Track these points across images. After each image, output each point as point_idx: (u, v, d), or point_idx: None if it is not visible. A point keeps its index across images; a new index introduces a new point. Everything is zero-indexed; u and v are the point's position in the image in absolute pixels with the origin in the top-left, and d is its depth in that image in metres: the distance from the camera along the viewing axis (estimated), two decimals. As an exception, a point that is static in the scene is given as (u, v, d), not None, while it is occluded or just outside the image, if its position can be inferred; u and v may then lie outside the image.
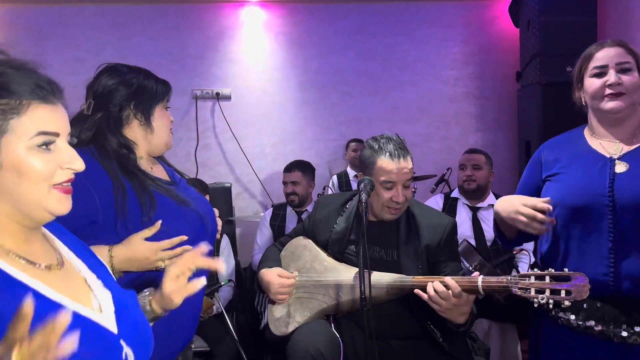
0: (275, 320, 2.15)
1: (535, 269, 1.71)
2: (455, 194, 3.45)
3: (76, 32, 4.63)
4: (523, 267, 3.10)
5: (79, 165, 0.97)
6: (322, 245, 2.18)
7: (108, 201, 1.46)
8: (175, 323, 1.54)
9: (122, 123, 1.58)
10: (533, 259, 3.03)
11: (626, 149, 1.68)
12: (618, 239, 1.59)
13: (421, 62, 4.91)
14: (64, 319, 0.68)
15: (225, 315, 3.02)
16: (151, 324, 1.17)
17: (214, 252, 1.97)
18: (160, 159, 1.74)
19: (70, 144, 0.98)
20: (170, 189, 1.59)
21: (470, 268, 2.62)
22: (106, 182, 1.48)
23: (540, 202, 1.65)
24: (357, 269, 1.86)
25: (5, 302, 0.83)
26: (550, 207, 1.64)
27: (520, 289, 1.64)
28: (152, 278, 1.52)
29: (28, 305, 0.68)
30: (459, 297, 1.76)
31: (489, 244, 3.22)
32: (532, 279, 1.63)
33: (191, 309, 1.62)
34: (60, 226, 1.08)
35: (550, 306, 1.60)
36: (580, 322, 1.68)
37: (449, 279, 1.78)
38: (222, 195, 4.31)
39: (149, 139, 1.62)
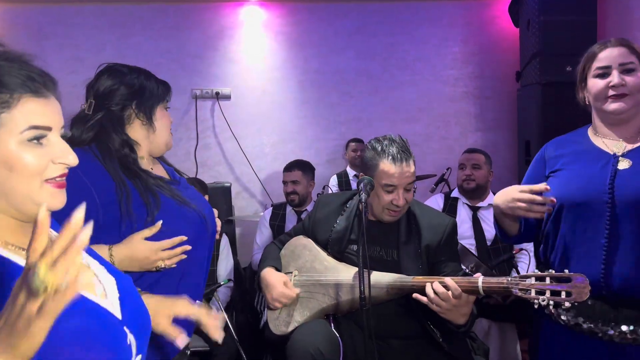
0: (274, 320, 2.15)
1: (536, 270, 1.70)
2: (455, 193, 3.45)
3: (76, 32, 4.63)
4: (523, 267, 3.10)
5: (72, 159, 0.95)
6: (322, 244, 2.18)
7: (108, 201, 1.46)
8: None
9: (124, 122, 1.58)
10: (533, 259, 3.03)
11: (629, 147, 1.67)
12: (613, 237, 1.59)
13: (421, 62, 4.91)
14: (78, 215, 0.68)
15: (225, 315, 3.02)
16: None
17: (213, 252, 1.97)
18: (160, 159, 1.74)
19: (64, 137, 0.96)
20: (172, 188, 1.59)
21: (467, 270, 2.62)
22: (107, 181, 1.48)
23: (536, 185, 1.66)
24: (357, 269, 1.86)
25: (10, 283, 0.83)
26: (548, 187, 1.64)
27: (520, 290, 1.64)
28: (153, 279, 1.52)
29: (44, 215, 0.69)
30: (459, 298, 1.76)
31: (489, 243, 3.22)
32: (533, 280, 1.63)
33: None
34: (54, 221, 1.06)
35: (551, 307, 1.60)
36: (570, 319, 1.68)
37: (449, 280, 1.78)
38: (222, 195, 4.31)
39: (150, 138, 1.62)
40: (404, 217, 2.11)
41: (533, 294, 1.61)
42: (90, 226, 0.68)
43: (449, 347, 2.00)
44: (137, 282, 1.47)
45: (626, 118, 1.67)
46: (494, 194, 3.37)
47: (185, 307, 1.28)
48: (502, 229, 1.88)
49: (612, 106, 1.65)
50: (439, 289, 1.77)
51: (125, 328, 0.97)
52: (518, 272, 2.93)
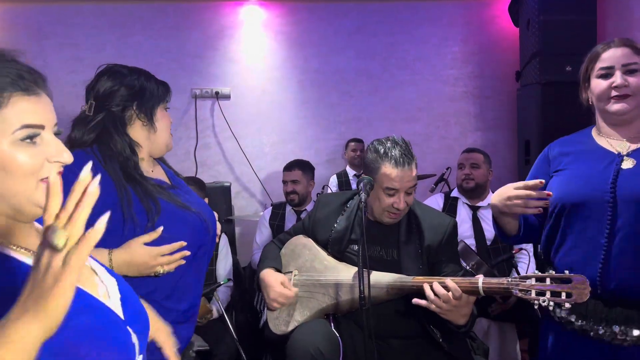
0: (274, 319, 2.15)
1: (536, 270, 1.70)
2: (455, 193, 3.45)
3: (76, 31, 4.63)
4: (522, 267, 3.10)
5: (67, 157, 0.93)
6: (322, 244, 2.18)
7: (110, 203, 1.46)
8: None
9: (125, 123, 1.58)
10: (533, 259, 3.04)
11: (634, 146, 1.67)
12: (613, 236, 1.59)
13: (421, 62, 4.91)
14: (85, 171, 0.72)
15: (225, 314, 3.02)
16: None
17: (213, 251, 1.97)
18: (159, 160, 1.74)
19: (57, 134, 0.94)
20: (171, 193, 1.58)
21: (468, 268, 2.62)
22: (108, 184, 1.48)
23: (531, 181, 1.66)
24: (357, 269, 1.86)
25: (19, 283, 0.83)
26: (543, 181, 1.64)
27: (521, 290, 1.64)
28: (153, 284, 1.52)
29: (56, 178, 0.72)
30: (459, 299, 1.76)
31: (489, 243, 3.22)
32: (533, 281, 1.63)
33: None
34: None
35: (551, 308, 1.60)
36: (564, 316, 1.69)
37: (449, 281, 1.78)
38: (222, 195, 4.31)
39: (151, 139, 1.62)
40: (405, 217, 2.11)
41: (533, 294, 1.61)
42: (98, 177, 0.72)
43: (449, 347, 2.00)
44: (136, 285, 1.48)
45: (629, 119, 1.67)
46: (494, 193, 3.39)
47: (164, 337, 1.26)
48: (502, 230, 1.88)
49: (614, 107, 1.65)
50: (439, 291, 1.77)
51: (128, 328, 0.97)
52: (518, 272, 2.93)
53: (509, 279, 1.70)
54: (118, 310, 0.98)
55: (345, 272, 2.04)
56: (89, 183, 0.72)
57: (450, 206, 3.39)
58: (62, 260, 0.70)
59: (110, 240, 1.46)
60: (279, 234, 2.56)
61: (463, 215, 3.32)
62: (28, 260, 0.90)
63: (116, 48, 4.62)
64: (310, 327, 2.01)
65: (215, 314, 3.10)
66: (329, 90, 4.89)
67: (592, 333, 1.63)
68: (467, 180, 3.32)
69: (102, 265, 1.07)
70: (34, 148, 0.89)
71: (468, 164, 3.35)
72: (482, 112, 4.96)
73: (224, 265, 3.43)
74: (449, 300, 1.76)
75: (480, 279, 1.75)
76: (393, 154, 1.99)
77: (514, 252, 3.13)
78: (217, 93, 4.76)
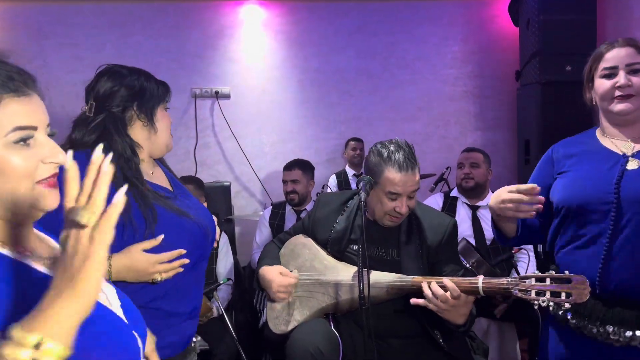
0: (274, 319, 2.15)
1: (536, 270, 1.70)
2: (454, 193, 3.45)
3: (76, 31, 4.63)
4: (522, 266, 3.10)
5: (62, 158, 0.92)
6: (321, 243, 2.18)
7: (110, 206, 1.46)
8: (172, 322, 1.55)
9: (126, 124, 1.58)
10: (533, 259, 3.04)
11: (638, 147, 1.66)
12: (615, 237, 1.59)
13: (421, 61, 4.91)
14: (98, 152, 0.75)
15: (225, 314, 3.02)
16: None
17: (212, 251, 1.97)
18: (159, 161, 1.73)
19: (50, 136, 0.94)
20: (169, 202, 1.58)
21: (468, 266, 2.62)
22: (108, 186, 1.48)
23: (524, 185, 1.65)
24: (356, 268, 1.86)
25: (26, 286, 0.84)
26: (537, 187, 1.63)
27: (520, 290, 1.64)
28: (153, 291, 1.52)
29: (71, 164, 0.75)
30: (457, 298, 1.76)
31: (488, 242, 3.22)
32: (533, 281, 1.63)
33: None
34: (41, 228, 1.06)
35: (551, 308, 1.60)
36: (560, 313, 1.69)
37: (447, 281, 1.78)
38: (221, 194, 4.31)
39: (152, 139, 1.62)
40: (405, 217, 2.11)
41: (533, 295, 1.61)
42: (110, 156, 0.75)
43: (449, 347, 2.01)
44: (140, 292, 1.48)
45: (633, 119, 1.66)
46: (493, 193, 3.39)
47: (151, 346, 1.27)
48: (500, 232, 1.88)
49: (618, 107, 1.64)
50: (436, 290, 1.78)
51: (134, 332, 0.98)
52: (517, 272, 2.93)
53: (509, 279, 1.70)
54: (122, 316, 0.99)
55: (345, 272, 2.04)
56: (102, 162, 0.75)
57: (450, 206, 3.39)
58: (89, 237, 0.72)
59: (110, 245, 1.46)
60: (279, 233, 2.56)
61: (462, 214, 3.32)
62: (29, 262, 0.90)
63: (116, 48, 4.62)
64: (310, 326, 2.01)
65: (215, 313, 3.10)
66: (329, 90, 4.89)
67: (585, 331, 1.63)
68: (466, 179, 3.33)
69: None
70: (28, 150, 0.89)
71: (468, 163, 3.35)
72: (482, 111, 4.96)
73: (224, 264, 3.44)
74: (447, 300, 1.76)
75: (480, 279, 1.76)
76: (397, 158, 1.97)
77: (513, 251, 3.13)
78: (217, 93, 4.76)
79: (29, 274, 0.88)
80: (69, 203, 0.74)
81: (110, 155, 0.76)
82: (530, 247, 3.10)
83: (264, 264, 2.20)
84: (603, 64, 1.68)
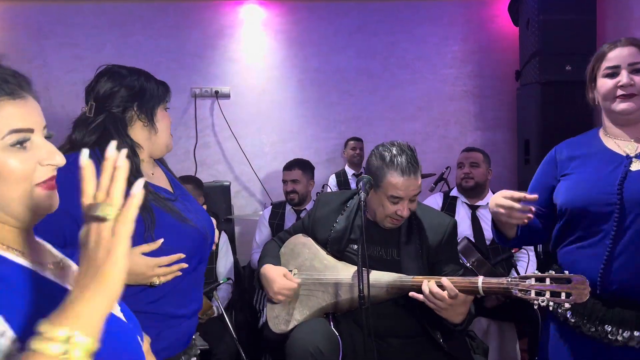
0: (274, 318, 2.15)
1: (536, 270, 1.70)
2: (454, 192, 3.45)
3: (75, 31, 4.63)
4: (522, 266, 3.11)
5: (59, 159, 0.92)
6: (321, 243, 2.18)
7: None
8: (171, 323, 1.55)
9: (126, 125, 1.58)
10: (533, 259, 3.04)
11: None
12: (619, 239, 1.58)
13: (421, 61, 4.91)
14: (111, 149, 0.77)
15: (225, 314, 3.02)
16: None
17: (212, 250, 1.97)
18: (159, 162, 1.73)
19: (47, 138, 0.93)
20: (169, 204, 1.57)
21: (469, 265, 2.62)
22: None
23: (517, 192, 1.66)
24: (356, 268, 1.86)
25: (32, 293, 0.84)
26: (530, 196, 1.63)
27: (520, 290, 1.64)
28: (153, 294, 1.52)
29: (87, 162, 0.77)
30: (454, 298, 1.77)
31: (488, 242, 3.23)
32: (533, 281, 1.63)
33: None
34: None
35: (550, 307, 1.60)
36: (560, 311, 1.69)
37: (445, 280, 1.79)
38: (221, 194, 4.31)
39: (152, 139, 1.62)
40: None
41: (533, 294, 1.61)
42: (125, 151, 0.77)
43: (449, 346, 2.01)
44: (139, 294, 1.48)
45: (635, 118, 1.66)
46: (493, 192, 3.39)
47: (146, 347, 1.26)
48: (500, 233, 1.87)
49: (620, 106, 1.64)
50: (434, 290, 1.78)
51: (137, 336, 0.99)
52: (517, 271, 2.93)
53: (509, 279, 1.70)
54: (122, 317, 0.99)
55: (345, 271, 2.04)
56: (116, 159, 0.76)
57: (450, 205, 3.39)
58: (111, 231, 0.74)
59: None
60: (279, 233, 2.56)
61: (462, 214, 3.33)
62: (21, 261, 0.89)
63: (116, 47, 4.62)
64: (309, 326, 2.01)
65: (215, 313, 3.10)
66: (329, 90, 4.89)
67: (584, 330, 1.64)
68: (466, 179, 3.33)
69: None
70: (25, 153, 0.88)
71: (467, 163, 3.35)
72: (482, 111, 4.96)
73: (224, 263, 3.44)
74: (444, 299, 1.76)
75: (479, 279, 1.76)
76: (399, 162, 1.96)
77: (513, 251, 3.14)
78: (216, 92, 4.76)
79: (37, 280, 0.88)
80: (87, 200, 0.76)
81: (125, 150, 0.77)
82: (530, 247, 3.10)
83: (265, 262, 2.20)
84: (606, 63, 1.67)
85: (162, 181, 1.67)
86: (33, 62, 4.49)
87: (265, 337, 2.22)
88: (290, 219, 3.78)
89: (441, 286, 1.79)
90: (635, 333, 1.56)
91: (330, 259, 2.12)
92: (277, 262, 2.22)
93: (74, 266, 1.02)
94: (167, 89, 1.67)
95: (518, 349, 3.13)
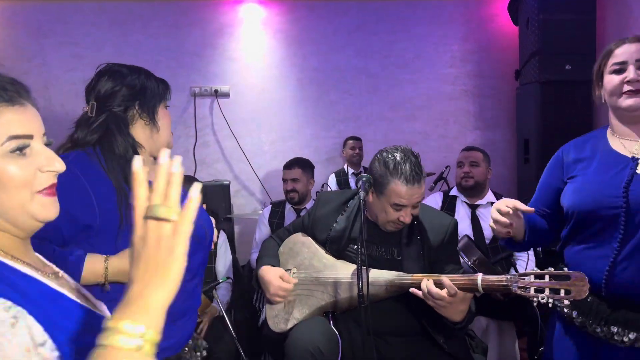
0: (273, 317, 2.16)
1: (535, 268, 1.70)
2: (454, 192, 3.45)
3: (75, 29, 4.62)
4: (521, 265, 3.11)
5: (59, 166, 0.92)
6: (321, 242, 2.18)
7: (107, 208, 1.45)
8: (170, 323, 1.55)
9: (128, 124, 1.58)
10: (532, 257, 3.04)
11: None
12: (626, 242, 1.57)
13: (420, 60, 4.91)
14: (165, 156, 0.79)
15: (224, 313, 3.02)
16: None
17: (211, 250, 1.97)
18: None
19: (47, 145, 0.93)
20: None
21: (469, 263, 2.62)
22: (107, 187, 1.47)
23: (504, 207, 1.67)
24: (355, 266, 1.86)
25: (42, 301, 0.84)
26: (527, 209, 1.66)
27: (520, 287, 1.64)
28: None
29: (138, 167, 0.78)
30: (454, 296, 1.77)
31: (487, 241, 3.22)
32: (532, 278, 1.63)
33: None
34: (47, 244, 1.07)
35: (550, 305, 1.60)
36: (567, 311, 1.69)
37: (444, 278, 1.79)
38: (221, 193, 4.30)
39: (154, 138, 1.62)
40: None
41: (532, 291, 1.61)
42: (180, 157, 0.79)
43: (448, 345, 2.01)
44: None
45: None
46: (493, 192, 3.40)
47: None
48: (509, 238, 1.85)
49: (627, 102, 1.62)
50: (432, 289, 1.78)
51: None
52: (516, 270, 2.93)
53: (508, 276, 1.70)
54: None
55: (344, 270, 2.04)
56: (171, 165, 0.79)
57: (449, 204, 3.39)
58: (172, 232, 0.77)
59: (103, 243, 1.46)
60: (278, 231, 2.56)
61: (462, 213, 3.33)
62: (23, 268, 0.89)
63: (115, 46, 4.62)
64: (309, 325, 2.01)
65: (217, 312, 3.10)
66: (328, 89, 4.89)
67: (590, 331, 1.64)
68: (466, 178, 3.33)
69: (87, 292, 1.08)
70: (24, 159, 0.88)
71: (467, 162, 3.35)
72: (482, 110, 4.96)
73: (223, 262, 3.44)
74: (443, 298, 1.76)
75: (479, 277, 1.76)
76: (403, 170, 1.94)
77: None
78: (216, 91, 4.75)
79: (45, 288, 0.88)
80: (143, 203, 0.78)
81: (180, 157, 0.80)
82: (530, 246, 3.10)
83: (264, 264, 2.20)
84: (613, 60, 1.66)
85: None
86: (32, 61, 4.49)
87: (265, 336, 2.22)
88: (290, 218, 3.78)
89: (440, 284, 1.79)
90: None
91: (329, 258, 2.12)
92: (275, 261, 2.22)
93: (66, 276, 1.02)
94: (167, 87, 1.67)
95: (517, 348, 3.13)
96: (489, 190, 3.40)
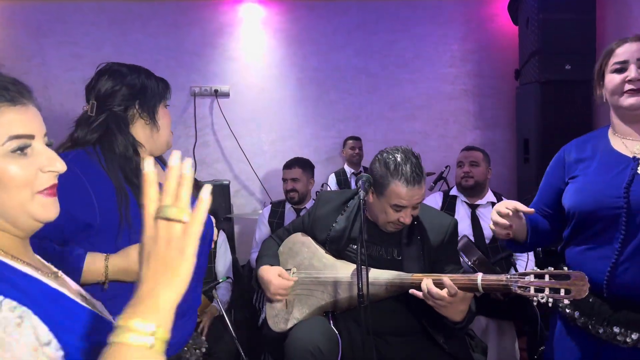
0: (273, 317, 2.16)
1: (535, 268, 1.70)
2: (454, 191, 3.45)
3: (75, 29, 4.62)
4: (521, 265, 3.11)
5: (60, 166, 0.92)
6: (320, 242, 2.18)
7: (107, 207, 1.45)
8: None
9: (128, 123, 1.58)
10: (532, 257, 3.03)
11: None
12: (628, 242, 1.56)
13: (420, 60, 4.91)
14: (176, 159, 0.80)
15: (224, 313, 3.02)
16: None
17: (211, 250, 1.98)
18: (159, 160, 1.73)
19: (48, 145, 0.93)
20: None
21: (469, 263, 2.62)
22: (107, 186, 1.47)
23: (504, 209, 1.68)
24: (355, 266, 1.86)
25: (44, 302, 0.84)
26: (527, 210, 1.67)
27: (519, 287, 1.64)
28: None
29: (149, 169, 0.79)
30: (454, 295, 1.77)
31: (487, 241, 3.22)
32: (532, 278, 1.63)
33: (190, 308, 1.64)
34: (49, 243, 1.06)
35: (550, 304, 1.60)
36: (568, 311, 1.69)
37: (445, 278, 1.78)
38: (221, 193, 4.30)
39: (154, 137, 1.62)
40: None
41: (532, 291, 1.61)
42: (190, 160, 0.80)
43: (448, 345, 2.01)
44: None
45: None
46: (493, 192, 3.40)
47: None
48: (511, 239, 1.85)
49: (628, 101, 1.62)
50: (432, 289, 1.78)
51: None
52: (516, 270, 2.93)
53: (508, 276, 1.70)
54: (109, 318, 1.00)
55: (344, 270, 2.04)
56: (181, 167, 0.80)
57: (449, 204, 3.39)
58: (182, 232, 0.78)
59: (103, 242, 1.46)
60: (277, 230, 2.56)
61: (462, 213, 3.32)
62: (22, 267, 0.89)
63: (115, 46, 4.62)
64: (309, 324, 2.01)
65: (218, 312, 3.10)
66: (328, 88, 4.89)
67: (592, 331, 1.63)
68: (466, 178, 3.33)
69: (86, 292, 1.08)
70: (25, 159, 0.88)
71: (467, 162, 3.35)
72: (481, 110, 4.96)
73: (223, 262, 3.43)
74: (444, 298, 1.76)
75: (479, 276, 1.76)
76: (404, 171, 1.93)
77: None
78: (216, 91, 4.75)
79: (46, 288, 0.88)
80: (154, 204, 0.79)
81: (191, 159, 0.81)
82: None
83: (263, 263, 2.20)
84: (614, 59, 1.66)
85: (162, 180, 1.67)
86: (32, 61, 4.49)
87: (265, 336, 2.22)
88: (290, 217, 3.78)
89: (441, 284, 1.78)
90: None
91: (329, 258, 2.12)
92: (274, 261, 2.22)
93: (65, 276, 1.02)
94: (167, 86, 1.67)
95: (517, 348, 3.13)
96: (489, 190, 3.40)
